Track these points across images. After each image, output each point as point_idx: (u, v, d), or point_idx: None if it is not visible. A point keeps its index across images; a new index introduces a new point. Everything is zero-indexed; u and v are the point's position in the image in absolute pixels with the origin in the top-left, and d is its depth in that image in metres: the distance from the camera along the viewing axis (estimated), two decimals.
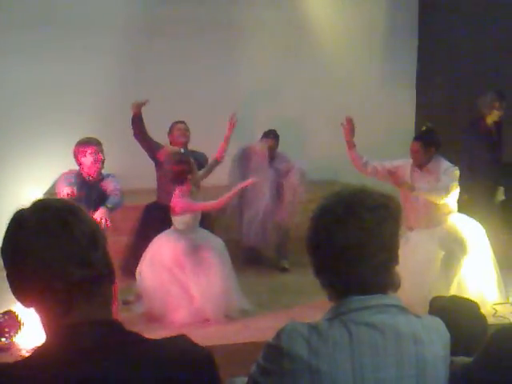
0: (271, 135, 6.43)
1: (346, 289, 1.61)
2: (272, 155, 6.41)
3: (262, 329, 4.42)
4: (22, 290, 1.36)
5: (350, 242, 1.58)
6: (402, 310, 1.62)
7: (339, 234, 1.59)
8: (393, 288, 1.63)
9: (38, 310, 1.37)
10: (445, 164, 5.06)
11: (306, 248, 1.67)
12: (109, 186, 4.95)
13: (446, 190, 4.95)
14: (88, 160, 4.87)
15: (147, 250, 5.12)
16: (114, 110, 7.07)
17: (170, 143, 5.90)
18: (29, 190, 6.40)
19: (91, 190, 4.90)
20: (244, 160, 6.25)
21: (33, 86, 6.92)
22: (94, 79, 7.03)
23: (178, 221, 5.14)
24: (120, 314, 4.18)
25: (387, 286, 1.62)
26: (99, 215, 4.63)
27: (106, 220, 4.64)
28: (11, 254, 1.36)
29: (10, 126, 6.89)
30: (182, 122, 5.94)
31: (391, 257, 1.62)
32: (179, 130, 5.89)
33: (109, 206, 4.77)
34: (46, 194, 6.31)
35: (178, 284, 5.00)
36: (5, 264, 1.37)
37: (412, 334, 1.58)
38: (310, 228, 1.66)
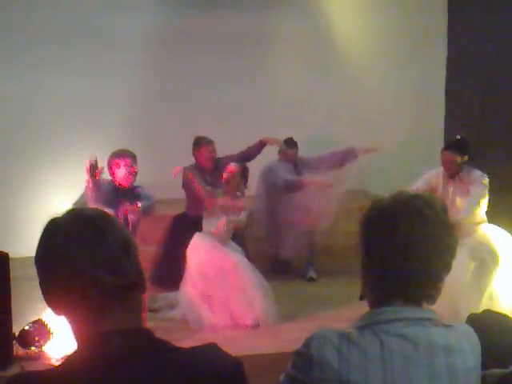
0: (290, 144, 6.44)
1: (391, 292, 1.58)
2: (294, 162, 6.44)
3: (290, 340, 4.39)
4: (54, 297, 1.37)
5: (427, 231, 1.56)
6: (436, 323, 1.60)
7: (419, 223, 1.56)
8: (433, 301, 1.61)
9: (70, 318, 1.37)
10: (475, 173, 5.05)
11: (366, 239, 1.63)
12: (140, 195, 5.03)
13: (477, 203, 4.97)
14: (122, 172, 4.94)
15: (188, 259, 5.18)
16: (140, 122, 7.15)
17: (196, 159, 5.83)
18: (59, 201, 6.48)
19: (121, 198, 4.95)
20: (267, 177, 6.27)
21: (60, 99, 7.03)
22: (121, 92, 7.11)
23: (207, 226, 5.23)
24: (148, 322, 4.19)
25: (431, 297, 1.60)
26: (128, 208, 4.78)
27: (133, 214, 4.76)
28: (45, 262, 1.37)
29: (39, 139, 7.00)
30: (211, 143, 5.78)
31: (451, 262, 1.61)
32: (210, 153, 5.75)
33: (139, 205, 4.87)
34: (75, 204, 6.39)
35: (214, 292, 5.08)
36: (38, 272, 1.38)
37: (444, 345, 1.56)
38: (381, 216, 1.61)
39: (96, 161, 4.66)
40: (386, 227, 1.59)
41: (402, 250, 1.56)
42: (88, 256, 1.33)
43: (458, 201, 5.04)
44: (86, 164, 4.63)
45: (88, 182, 4.69)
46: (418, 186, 5.16)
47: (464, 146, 5.08)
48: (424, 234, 1.56)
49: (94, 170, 4.65)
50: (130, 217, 4.89)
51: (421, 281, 1.57)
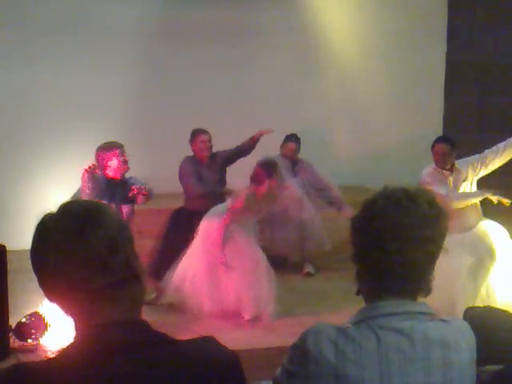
0: (293, 138, 6.50)
1: (381, 286, 1.59)
2: (294, 159, 6.45)
3: (287, 334, 4.39)
4: (47, 293, 1.38)
5: (405, 223, 1.56)
6: (431, 316, 1.60)
7: (396, 214, 1.57)
8: (424, 294, 1.62)
9: (66, 312, 1.39)
10: (468, 160, 5.18)
11: (351, 231, 1.64)
12: (136, 184, 5.02)
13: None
14: (115, 163, 4.94)
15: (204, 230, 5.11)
16: (137, 115, 7.14)
17: (193, 151, 5.87)
18: (56, 193, 6.47)
19: (114, 191, 4.95)
20: None
21: (59, 91, 7.02)
22: (118, 85, 7.10)
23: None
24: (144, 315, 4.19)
25: (420, 290, 1.61)
26: (136, 189, 4.83)
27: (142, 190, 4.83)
28: (34, 261, 1.38)
29: (37, 132, 7.00)
30: (205, 133, 5.77)
31: (435, 254, 1.60)
32: (203, 143, 5.73)
33: (145, 187, 4.95)
34: (73, 196, 6.37)
35: (213, 274, 5.04)
36: (32, 269, 1.39)
37: (440, 340, 1.56)
38: (363, 209, 1.64)
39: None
40: (364, 221, 1.61)
41: (379, 242, 1.57)
42: (73, 257, 1.32)
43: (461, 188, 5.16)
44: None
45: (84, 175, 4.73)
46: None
47: (454, 141, 5.23)
48: (400, 226, 1.56)
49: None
50: (131, 205, 4.92)
51: (402, 273, 1.58)
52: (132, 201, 5.01)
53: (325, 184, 6.46)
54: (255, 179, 5.09)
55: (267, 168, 5.09)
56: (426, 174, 5.17)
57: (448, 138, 5.34)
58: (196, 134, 5.80)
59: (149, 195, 5.01)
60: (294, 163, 6.49)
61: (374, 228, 1.57)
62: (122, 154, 4.97)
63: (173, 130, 6.79)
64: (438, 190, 4.81)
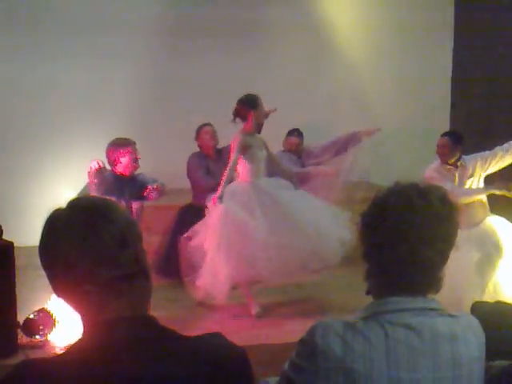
0: (295, 133, 6.53)
1: (391, 283, 1.59)
2: (298, 152, 6.47)
3: (293, 331, 4.39)
4: (56, 287, 1.39)
5: (416, 221, 1.56)
6: (441, 312, 1.60)
7: (407, 214, 1.56)
8: (434, 291, 1.61)
9: (74, 308, 1.39)
10: (477, 156, 5.16)
11: (361, 229, 1.64)
12: (146, 180, 5.03)
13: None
14: (126, 160, 4.94)
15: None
16: (145, 111, 7.15)
17: (199, 147, 5.90)
18: (64, 190, 6.50)
19: (123, 187, 4.95)
20: (269, 168, 6.28)
21: (67, 88, 7.05)
22: (126, 82, 7.12)
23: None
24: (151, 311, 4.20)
25: (430, 287, 1.61)
26: (151, 188, 4.85)
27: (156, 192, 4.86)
28: (44, 255, 1.39)
29: (45, 128, 7.03)
30: (209, 125, 5.87)
31: (446, 252, 1.60)
32: (207, 134, 5.82)
33: (160, 183, 4.97)
34: (80, 193, 6.40)
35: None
36: (41, 264, 1.40)
37: (449, 335, 1.56)
38: (374, 206, 1.63)
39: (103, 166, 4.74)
40: (376, 218, 1.60)
41: (390, 240, 1.56)
42: (81, 251, 1.33)
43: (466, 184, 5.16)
44: (93, 166, 4.67)
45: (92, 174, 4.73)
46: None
47: (458, 136, 5.24)
48: (412, 224, 1.56)
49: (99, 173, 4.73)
50: (141, 203, 4.95)
51: (413, 272, 1.57)
52: (143, 198, 5.02)
53: (329, 143, 6.44)
54: (240, 116, 5.12)
55: (246, 101, 5.14)
56: (431, 169, 5.19)
57: (450, 133, 5.40)
58: (200, 128, 5.90)
59: (162, 191, 5.03)
60: (299, 156, 6.50)
61: (385, 227, 1.57)
62: (135, 151, 4.98)
63: (179, 126, 6.80)
64: (443, 185, 4.81)
